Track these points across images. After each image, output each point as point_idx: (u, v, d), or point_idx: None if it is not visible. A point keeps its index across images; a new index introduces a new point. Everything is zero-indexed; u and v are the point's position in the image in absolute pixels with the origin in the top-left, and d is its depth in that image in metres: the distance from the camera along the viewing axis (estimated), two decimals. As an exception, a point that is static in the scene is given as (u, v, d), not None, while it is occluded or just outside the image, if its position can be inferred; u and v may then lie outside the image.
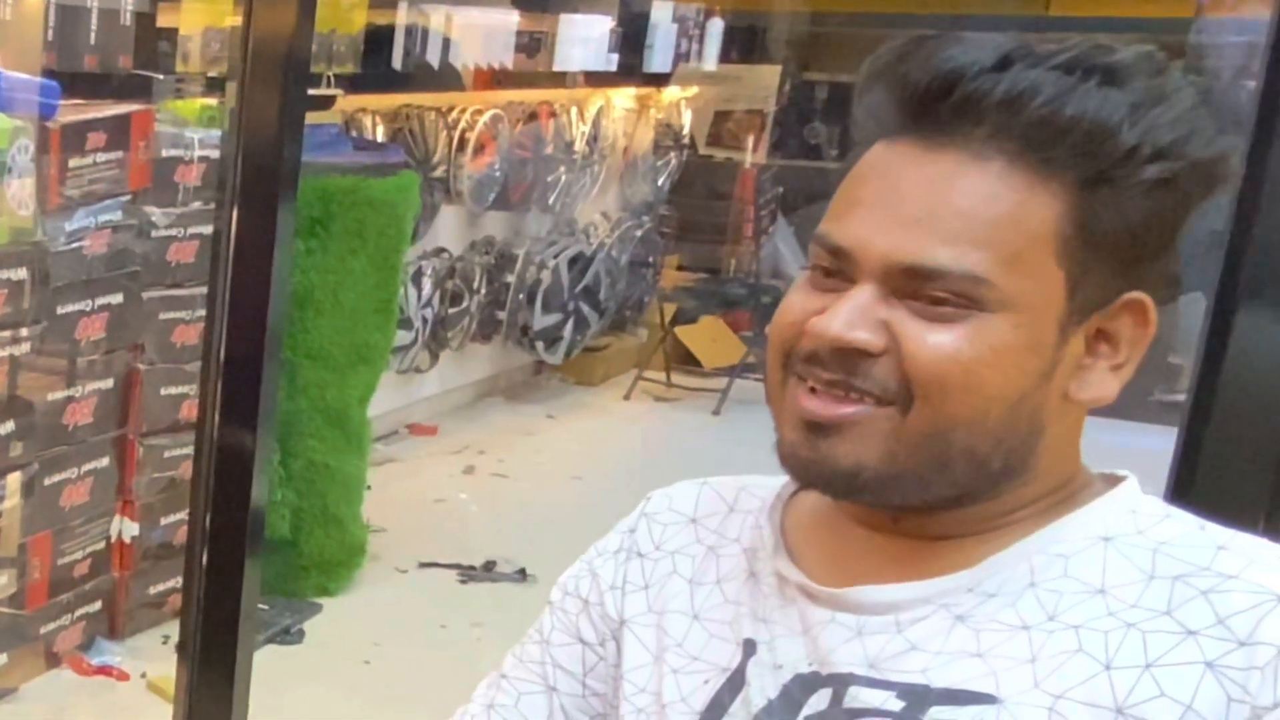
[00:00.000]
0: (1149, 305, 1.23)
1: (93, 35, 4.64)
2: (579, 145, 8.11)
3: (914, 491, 1.23)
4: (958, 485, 1.23)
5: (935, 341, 1.18)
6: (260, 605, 4.30)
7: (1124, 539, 1.22)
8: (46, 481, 4.43)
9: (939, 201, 1.19)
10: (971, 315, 1.18)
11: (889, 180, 1.22)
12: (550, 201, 7.96)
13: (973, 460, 1.21)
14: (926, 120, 1.21)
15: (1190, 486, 1.89)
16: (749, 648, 1.32)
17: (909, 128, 1.22)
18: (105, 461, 4.65)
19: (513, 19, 7.50)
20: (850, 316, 1.20)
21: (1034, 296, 1.18)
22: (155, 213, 4.70)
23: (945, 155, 1.20)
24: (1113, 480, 1.29)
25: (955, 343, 1.18)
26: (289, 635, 5.04)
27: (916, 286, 1.19)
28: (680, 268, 9.52)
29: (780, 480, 1.40)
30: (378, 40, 6.52)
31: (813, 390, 1.23)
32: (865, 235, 1.20)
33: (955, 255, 1.17)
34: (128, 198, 4.61)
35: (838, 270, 1.23)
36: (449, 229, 7.40)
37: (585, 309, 8.22)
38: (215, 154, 4.65)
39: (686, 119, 9.40)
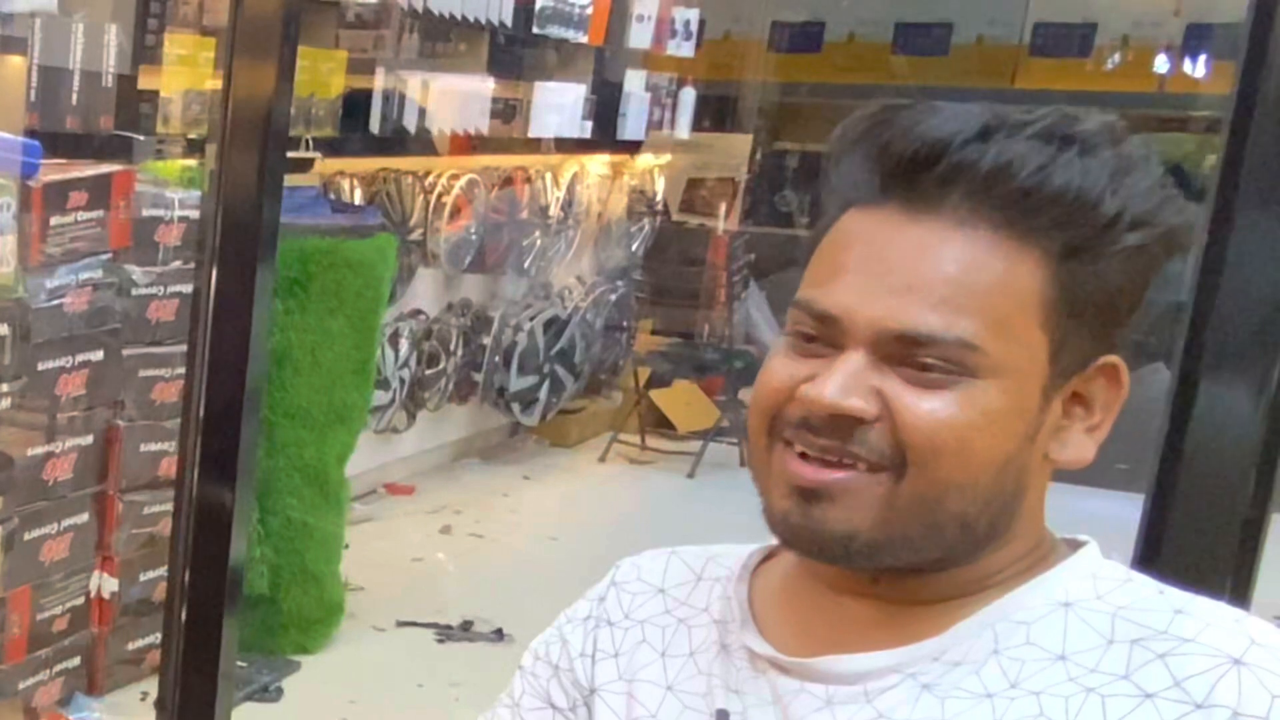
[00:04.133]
0: (1122, 368, 1.25)
1: (75, 96, 4.67)
2: (554, 210, 8.15)
3: (905, 554, 1.24)
4: (946, 548, 1.24)
5: (929, 408, 1.19)
6: (239, 662, 4.31)
7: (1084, 604, 1.24)
8: (26, 536, 4.42)
9: (927, 269, 1.20)
10: (961, 381, 1.19)
11: (874, 247, 1.22)
12: (525, 265, 8.00)
13: (963, 523, 1.23)
14: (909, 188, 1.22)
15: (1157, 555, 1.90)
16: (722, 718, 1.33)
17: (889, 195, 1.23)
18: (85, 517, 4.64)
19: (488, 86, 7.55)
20: (844, 383, 1.21)
21: (1021, 361, 1.20)
22: (135, 271, 4.71)
23: (929, 222, 1.21)
24: (1074, 545, 1.30)
25: (948, 409, 1.19)
26: (267, 693, 5.03)
27: (906, 353, 1.20)
28: (654, 332, 9.54)
29: (747, 549, 1.42)
30: (356, 105, 6.57)
31: (802, 456, 1.24)
32: (853, 302, 1.21)
33: (946, 322, 1.18)
34: (108, 256, 4.62)
35: (822, 336, 1.24)
36: (426, 291, 7.43)
37: (560, 371, 8.24)
38: (195, 214, 4.68)
39: (660, 186, 9.45)
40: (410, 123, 6.98)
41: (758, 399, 1.28)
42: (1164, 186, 1.21)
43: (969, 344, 1.19)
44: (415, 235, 7.08)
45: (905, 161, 1.22)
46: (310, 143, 6.13)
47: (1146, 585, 1.26)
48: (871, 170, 1.24)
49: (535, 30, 7.62)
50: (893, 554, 1.24)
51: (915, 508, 1.21)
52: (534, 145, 7.98)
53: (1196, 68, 9.42)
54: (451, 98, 7.24)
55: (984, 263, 1.19)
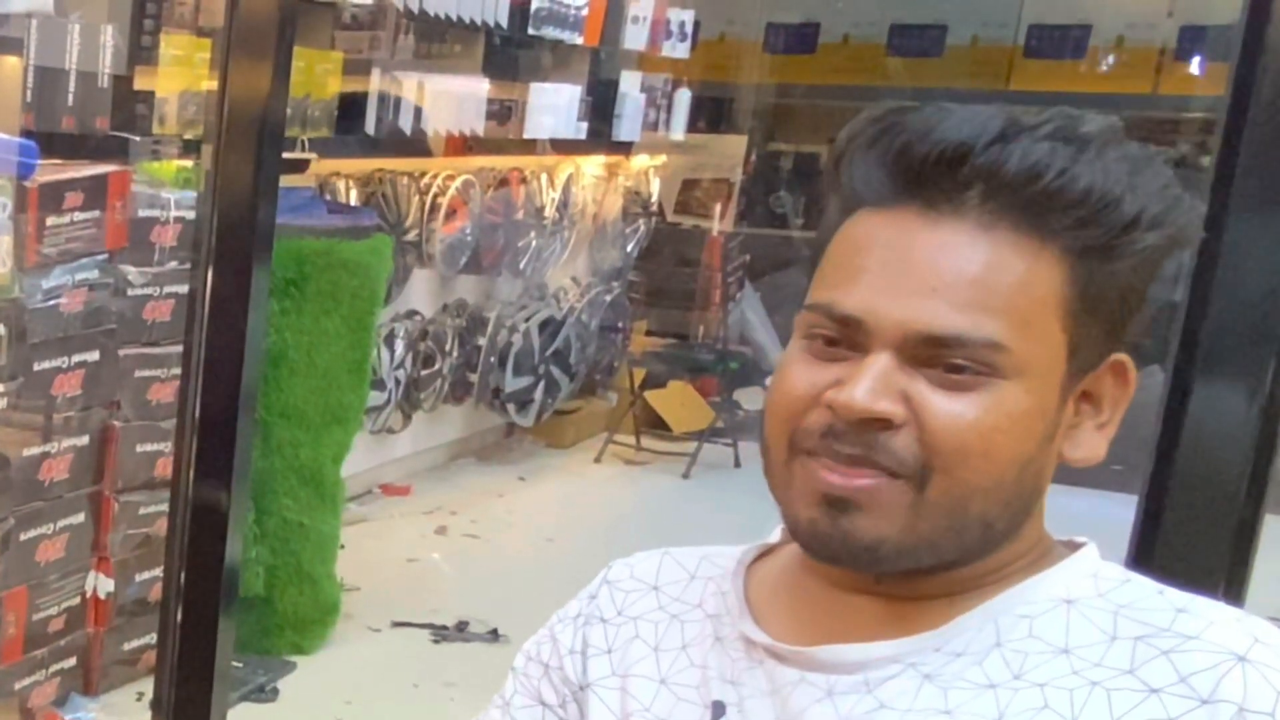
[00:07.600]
0: (1130, 365, 1.26)
1: (71, 97, 4.66)
2: (549, 211, 8.15)
3: (927, 557, 1.24)
4: (966, 549, 1.24)
5: (956, 411, 1.19)
6: (234, 663, 4.30)
7: (1086, 601, 1.25)
8: (22, 537, 4.42)
9: (951, 270, 1.19)
10: (988, 382, 1.19)
11: (895, 249, 1.21)
12: (521, 266, 8.00)
13: (985, 524, 1.23)
14: (927, 190, 1.21)
15: (1150, 555, 1.91)
16: (718, 709, 1.33)
17: (906, 197, 1.22)
18: (81, 517, 4.64)
19: (484, 87, 7.55)
20: (874, 386, 1.20)
21: (1043, 361, 1.20)
22: (131, 272, 4.71)
23: (950, 223, 1.20)
24: (1073, 546, 1.31)
25: (974, 411, 1.19)
26: (263, 693, 5.03)
27: (933, 354, 1.19)
28: (649, 333, 9.55)
29: (741, 548, 1.42)
30: (351, 106, 6.56)
31: (827, 464, 1.23)
32: (877, 304, 1.20)
33: (973, 323, 1.18)
34: (104, 256, 4.62)
35: (844, 339, 1.23)
36: (421, 292, 7.43)
37: (556, 372, 8.25)
38: (191, 215, 4.69)
39: (655, 187, 9.45)
40: (406, 124, 6.97)
41: (777, 408, 1.26)
42: (1173, 186, 1.22)
43: (997, 344, 1.19)
44: (411, 236, 7.08)
45: (927, 164, 1.21)
46: (306, 143, 6.13)
47: (1146, 585, 1.27)
48: (886, 172, 1.23)
49: (530, 31, 7.62)
50: (916, 557, 1.23)
51: (941, 512, 1.21)
52: (529, 146, 7.98)
53: (1190, 69, 9.45)
54: (447, 99, 7.24)
55: (1007, 263, 1.19)
